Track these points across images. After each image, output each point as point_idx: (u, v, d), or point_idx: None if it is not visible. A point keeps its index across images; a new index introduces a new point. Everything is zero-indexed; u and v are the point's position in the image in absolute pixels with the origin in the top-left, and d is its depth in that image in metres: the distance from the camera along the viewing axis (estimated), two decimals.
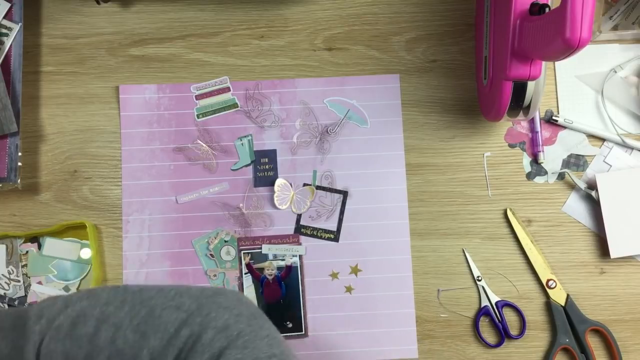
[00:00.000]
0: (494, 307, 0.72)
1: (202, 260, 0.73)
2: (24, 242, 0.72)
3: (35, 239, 0.72)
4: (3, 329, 0.51)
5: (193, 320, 0.49)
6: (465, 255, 0.73)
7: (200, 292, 0.52)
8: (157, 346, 0.48)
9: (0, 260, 0.71)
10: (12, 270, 0.71)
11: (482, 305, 0.72)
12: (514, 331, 0.73)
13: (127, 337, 0.49)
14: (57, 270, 0.71)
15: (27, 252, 0.71)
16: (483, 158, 0.75)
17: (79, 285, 0.71)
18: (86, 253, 0.72)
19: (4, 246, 0.71)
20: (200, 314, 0.49)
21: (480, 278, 0.73)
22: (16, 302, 0.70)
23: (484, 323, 0.73)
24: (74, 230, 0.72)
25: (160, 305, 0.50)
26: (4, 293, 0.70)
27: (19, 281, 0.71)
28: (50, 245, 0.72)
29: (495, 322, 0.72)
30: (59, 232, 0.72)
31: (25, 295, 0.71)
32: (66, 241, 0.72)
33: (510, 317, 0.73)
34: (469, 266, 0.73)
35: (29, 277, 0.71)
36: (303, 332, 0.72)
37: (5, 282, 0.70)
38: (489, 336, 0.73)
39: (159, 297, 0.51)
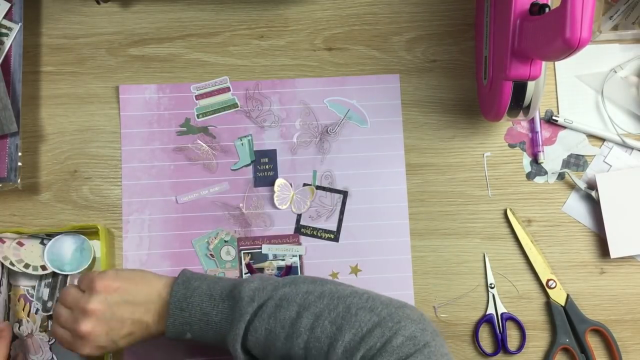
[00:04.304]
0: (499, 317, 0.72)
1: (202, 260, 0.73)
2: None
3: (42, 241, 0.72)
4: (214, 297, 0.60)
5: (385, 325, 0.54)
6: (484, 260, 0.73)
7: (389, 301, 0.58)
8: (351, 341, 0.54)
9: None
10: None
11: (487, 312, 0.72)
12: (512, 345, 0.73)
13: (325, 327, 0.55)
14: (53, 260, 0.70)
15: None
16: (483, 158, 0.75)
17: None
18: (89, 245, 0.71)
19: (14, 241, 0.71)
20: (392, 320, 0.55)
21: (492, 285, 0.73)
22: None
23: (483, 330, 0.73)
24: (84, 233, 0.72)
25: (356, 304, 0.56)
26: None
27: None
28: (54, 242, 0.71)
29: (495, 333, 0.72)
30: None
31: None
32: (70, 236, 0.71)
33: (511, 331, 0.73)
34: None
35: (28, 267, 0.71)
36: None
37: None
38: (487, 344, 0.73)
39: (354, 297, 0.57)
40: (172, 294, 0.60)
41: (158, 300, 0.61)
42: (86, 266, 0.71)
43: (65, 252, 0.71)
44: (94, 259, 0.71)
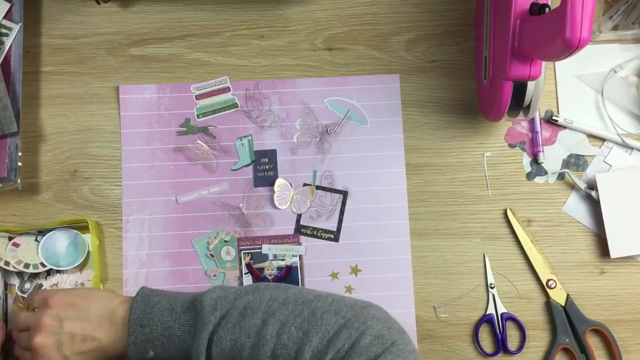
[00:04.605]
0: (499, 317, 0.72)
1: (202, 260, 0.73)
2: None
3: (36, 238, 0.72)
4: (175, 311, 0.59)
5: (352, 326, 0.55)
6: (484, 260, 0.73)
7: (353, 302, 0.58)
8: (318, 345, 0.54)
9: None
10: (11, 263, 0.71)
11: (487, 312, 0.72)
12: (512, 345, 0.72)
13: (292, 333, 0.55)
14: (48, 257, 0.71)
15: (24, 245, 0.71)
16: (483, 158, 0.75)
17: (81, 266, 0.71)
18: (82, 239, 0.71)
19: (6, 239, 0.71)
20: (357, 320, 0.55)
21: (492, 285, 0.73)
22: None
23: (483, 330, 0.73)
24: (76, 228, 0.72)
25: (321, 308, 0.57)
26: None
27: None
28: (47, 239, 0.71)
29: (495, 333, 0.72)
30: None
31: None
32: (62, 231, 0.72)
33: (511, 331, 0.73)
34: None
35: (29, 267, 0.71)
36: None
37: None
38: (487, 344, 0.73)
39: (318, 301, 0.58)
40: (131, 311, 0.59)
41: (112, 317, 0.60)
42: (82, 259, 0.71)
43: (60, 248, 0.71)
44: (89, 252, 0.72)
